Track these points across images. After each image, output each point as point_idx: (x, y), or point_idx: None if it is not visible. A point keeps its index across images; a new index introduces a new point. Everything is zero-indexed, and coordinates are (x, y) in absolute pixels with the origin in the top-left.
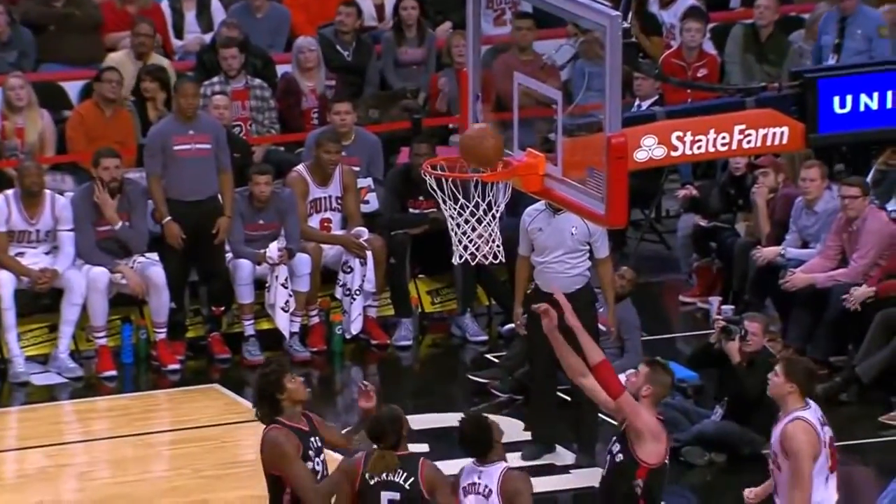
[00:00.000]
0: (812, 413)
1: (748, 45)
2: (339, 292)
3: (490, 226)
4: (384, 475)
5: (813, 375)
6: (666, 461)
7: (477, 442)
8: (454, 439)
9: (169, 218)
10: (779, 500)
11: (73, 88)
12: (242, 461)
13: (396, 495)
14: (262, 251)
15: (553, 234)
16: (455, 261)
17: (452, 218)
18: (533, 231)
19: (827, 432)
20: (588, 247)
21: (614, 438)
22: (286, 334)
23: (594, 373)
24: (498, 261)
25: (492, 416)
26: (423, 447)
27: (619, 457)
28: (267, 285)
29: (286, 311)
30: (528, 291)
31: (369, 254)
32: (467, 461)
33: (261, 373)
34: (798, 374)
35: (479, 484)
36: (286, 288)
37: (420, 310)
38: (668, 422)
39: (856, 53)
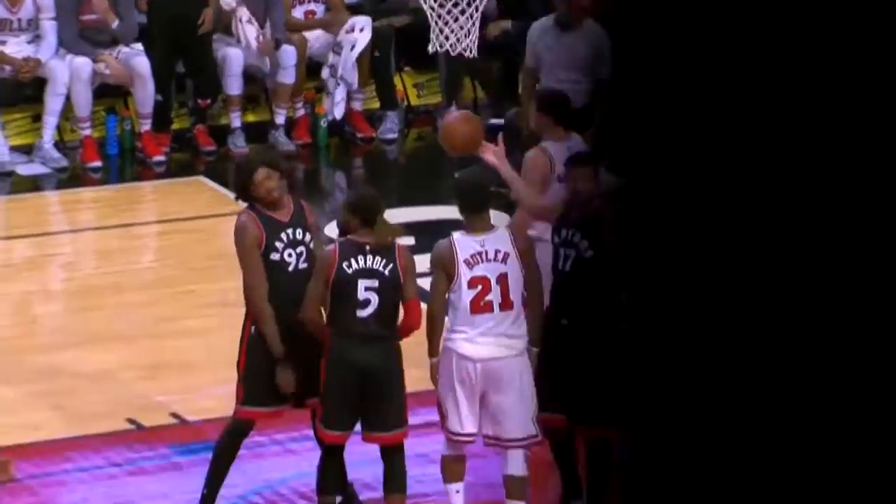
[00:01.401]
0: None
1: None
2: (325, 72)
3: (471, 18)
4: (370, 260)
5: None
6: None
7: (476, 193)
8: (439, 232)
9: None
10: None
11: None
12: (228, 253)
13: (375, 282)
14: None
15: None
16: (430, 49)
17: (433, 9)
18: (540, 48)
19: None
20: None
21: (571, 232)
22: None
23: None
24: (472, 55)
25: None
26: (409, 240)
27: (589, 253)
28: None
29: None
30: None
31: (358, 35)
32: (455, 234)
33: (239, 160)
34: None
35: (486, 251)
36: (252, 24)
37: (406, 103)
38: None
39: None
